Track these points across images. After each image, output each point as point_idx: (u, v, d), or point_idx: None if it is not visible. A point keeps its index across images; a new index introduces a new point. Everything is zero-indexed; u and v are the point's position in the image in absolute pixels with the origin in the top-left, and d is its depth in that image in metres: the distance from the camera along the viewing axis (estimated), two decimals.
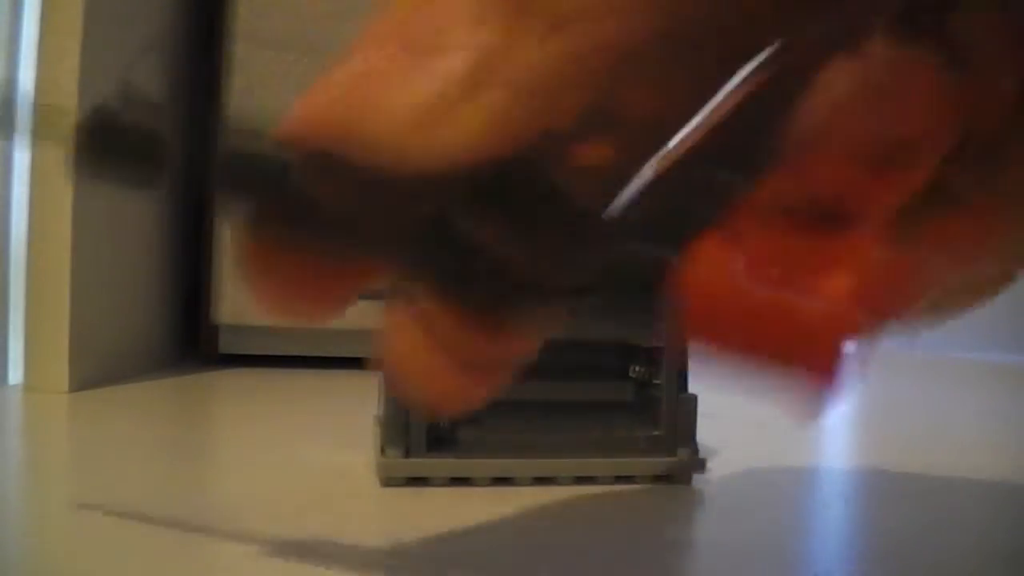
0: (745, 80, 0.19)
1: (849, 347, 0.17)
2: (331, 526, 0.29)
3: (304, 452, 0.41)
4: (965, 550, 0.28)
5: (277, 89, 0.72)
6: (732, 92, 0.20)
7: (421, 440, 0.35)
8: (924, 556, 0.27)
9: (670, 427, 0.37)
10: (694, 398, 0.37)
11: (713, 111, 0.20)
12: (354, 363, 0.75)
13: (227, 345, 0.78)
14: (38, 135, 0.20)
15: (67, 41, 0.60)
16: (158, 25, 0.73)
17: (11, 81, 0.62)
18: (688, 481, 0.36)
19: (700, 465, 0.36)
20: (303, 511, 0.30)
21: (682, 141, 0.20)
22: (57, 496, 0.31)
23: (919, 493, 0.37)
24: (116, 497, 0.31)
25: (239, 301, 0.74)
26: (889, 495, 0.37)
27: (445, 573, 0.25)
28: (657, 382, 0.37)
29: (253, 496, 0.31)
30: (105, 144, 0.18)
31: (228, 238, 0.74)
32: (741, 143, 0.20)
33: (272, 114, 0.19)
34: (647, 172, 0.20)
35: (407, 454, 0.34)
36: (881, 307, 0.20)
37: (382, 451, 0.35)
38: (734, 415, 0.55)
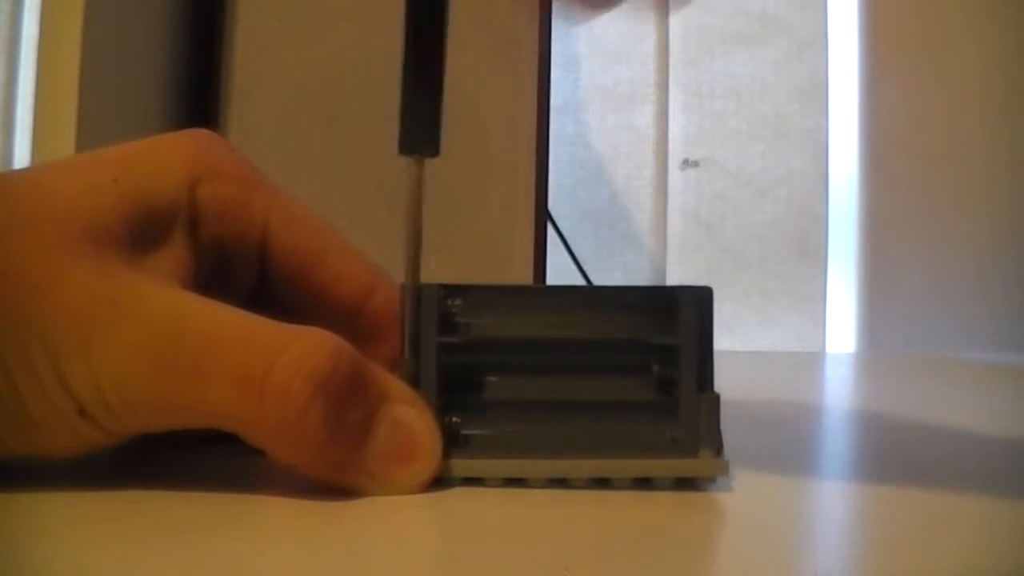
0: None
1: None
2: (349, 527, 0.29)
3: None
4: (966, 551, 0.28)
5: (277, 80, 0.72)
6: None
7: None
8: (925, 556, 0.27)
9: (690, 427, 0.36)
10: (717, 397, 0.36)
11: None
12: None
13: None
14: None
15: (67, 41, 0.60)
16: (159, 25, 0.72)
17: (11, 81, 0.62)
18: (712, 482, 0.36)
19: (723, 467, 0.36)
20: (325, 512, 0.30)
21: None
22: (57, 496, 0.30)
23: (920, 492, 0.37)
24: (117, 497, 0.30)
25: None
26: (890, 494, 0.36)
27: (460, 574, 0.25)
28: (679, 381, 0.36)
29: (268, 498, 0.31)
30: None
31: None
32: None
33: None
34: None
35: None
36: None
37: None
38: (753, 414, 0.54)
